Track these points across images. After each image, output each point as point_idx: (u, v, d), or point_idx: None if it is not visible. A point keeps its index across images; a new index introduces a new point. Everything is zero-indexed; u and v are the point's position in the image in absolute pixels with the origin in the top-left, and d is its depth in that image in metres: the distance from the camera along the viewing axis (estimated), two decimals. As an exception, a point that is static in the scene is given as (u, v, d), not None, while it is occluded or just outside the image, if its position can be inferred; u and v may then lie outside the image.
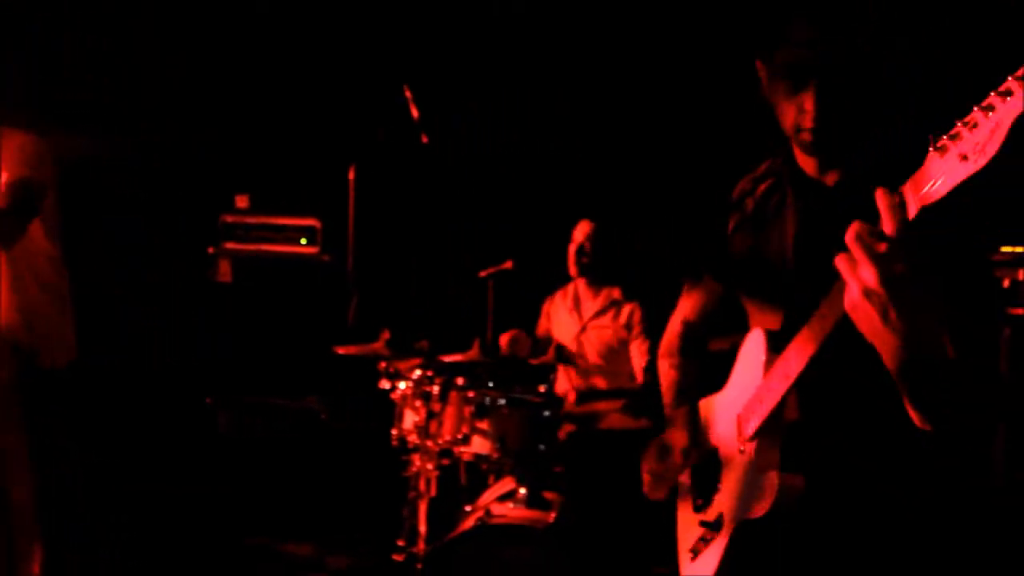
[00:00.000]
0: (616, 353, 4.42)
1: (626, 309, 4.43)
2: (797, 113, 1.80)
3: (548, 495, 3.63)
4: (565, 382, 4.42)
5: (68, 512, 3.20)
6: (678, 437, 2.16)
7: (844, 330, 1.48)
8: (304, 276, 5.24)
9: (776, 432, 1.81)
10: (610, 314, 4.45)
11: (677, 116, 4.98)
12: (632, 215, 4.90)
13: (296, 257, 5.26)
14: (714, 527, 2.00)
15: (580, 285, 4.55)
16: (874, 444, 1.82)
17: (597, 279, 4.49)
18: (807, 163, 1.91)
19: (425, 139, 4.42)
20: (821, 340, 1.59)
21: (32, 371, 3.06)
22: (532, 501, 3.54)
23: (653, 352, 4.34)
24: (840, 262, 1.38)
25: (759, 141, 2.11)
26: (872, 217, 1.36)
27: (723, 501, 1.99)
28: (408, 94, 4.46)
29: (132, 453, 4.86)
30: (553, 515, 3.43)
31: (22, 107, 3.33)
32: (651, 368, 4.27)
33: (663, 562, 3.76)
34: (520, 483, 3.63)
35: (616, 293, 4.48)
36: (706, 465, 2.08)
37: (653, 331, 4.37)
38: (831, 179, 1.88)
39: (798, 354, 1.66)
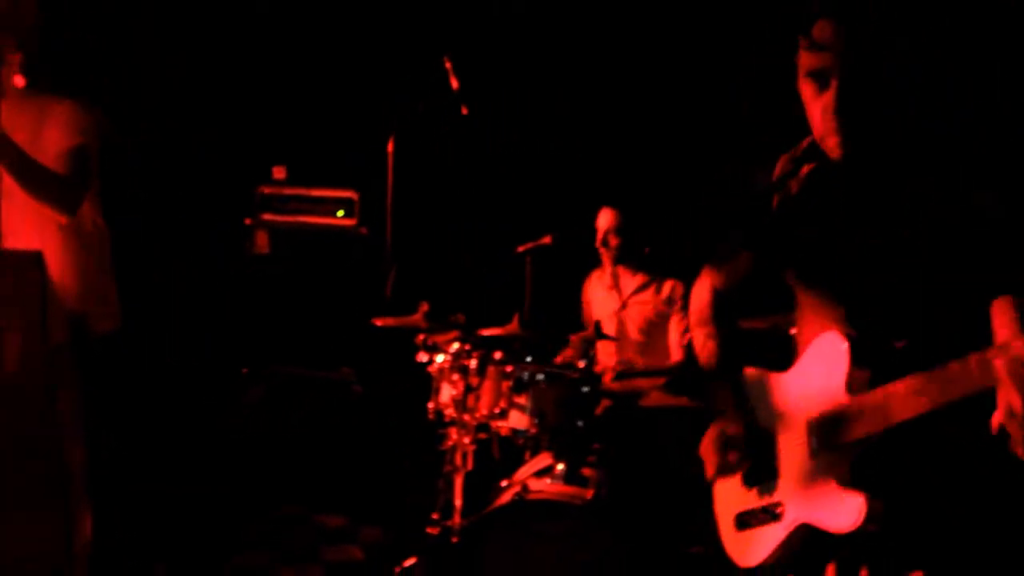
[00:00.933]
0: (656, 328, 4.38)
1: (667, 284, 4.39)
2: (821, 114, 1.83)
3: (586, 471, 3.60)
4: (604, 358, 4.38)
5: (115, 476, 3.22)
6: (733, 424, 2.12)
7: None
8: (341, 248, 5.23)
9: (853, 448, 1.82)
10: (651, 289, 4.41)
11: (709, 95, 4.92)
12: (660, 197, 4.85)
13: (333, 229, 5.24)
14: (771, 514, 2.00)
15: (617, 266, 4.51)
16: (954, 473, 1.83)
17: (632, 264, 4.45)
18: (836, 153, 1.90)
19: (465, 111, 4.38)
20: (939, 404, 1.61)
21: (84, 337, 3.07)
22: (570, 477, 3.51)
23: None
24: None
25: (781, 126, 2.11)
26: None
27: (784, 492, 1.99)
28: (448, 65, 4.41)
29: (170, 422, 4.90)
30: (591, 492, 3.40)
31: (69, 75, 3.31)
32: (690, 345, 4.23)
33: (700, 541, 3.76)
34: (557, 459, 3.60)
35: (655, 272, 4.44)
36: (761, 444, 2.05)
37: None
38: (860, 169, 1.88)
39: (906, 402, 1.67)
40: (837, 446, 1.84)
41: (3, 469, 2.77)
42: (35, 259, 2.87)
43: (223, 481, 4.85)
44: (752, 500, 2.08)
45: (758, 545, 2.02)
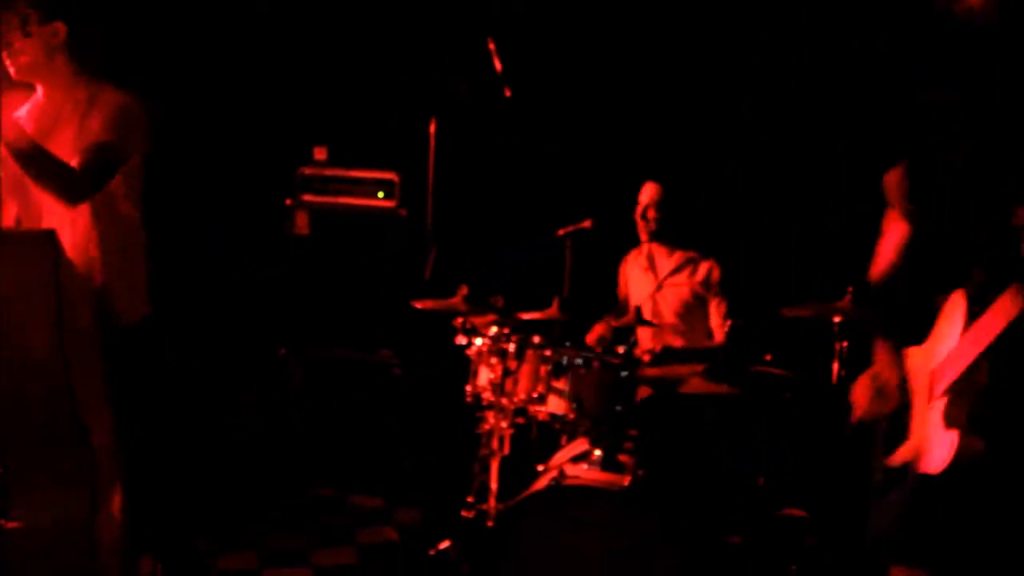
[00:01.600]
0: (693, 311, 4.34)
1: (704, 266, 4.34)
2: None
3: (623, 458, 3.57)
4: (642, 343, 4.35)
5: (145, 456, 3.23)
6: (891, 374, 2.25)
7: None
8: (381, 229, 5.22)
9: (967, 394, 1.93)
10: (687, 271, 4.36)
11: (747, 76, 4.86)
12: (701, 174, 4.80)
13: (373, 210, 5.24)
14: (899, 476, 2.12)
15: (653, 245, 4.46)
16: None
17: (669, 242, 4.40)
18: None
19: (508, 93, 4.35)
20: (1010, 320, 1.76)
21: (108, 322, 3.08)
22: (607, 463, 3.48)
23: (732, 313, 4.25)
24: None
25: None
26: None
27: (908, 451, 2.11)
28: (491, 47, 4.38)
29: (207, 401, 4.93)
30: (628, 479, 3.37)
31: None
32: (732, 329, 4.18)
33: (738, 531, 3.73)
34: (595, 445, 3.57)
35: (691, 253, 4.39)
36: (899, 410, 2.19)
37: (729, 291, 4.29)
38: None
39: (990, 325, 1.82)
40: (949, 389, 1.96)
41: (24, 447, 2.79)
42: (48, 237, 2.85)
43: (260, 461, 4.88)
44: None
45: (888, 507, 2.11)
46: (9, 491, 2.65)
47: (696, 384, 3.90)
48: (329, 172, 5.32)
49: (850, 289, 3.69)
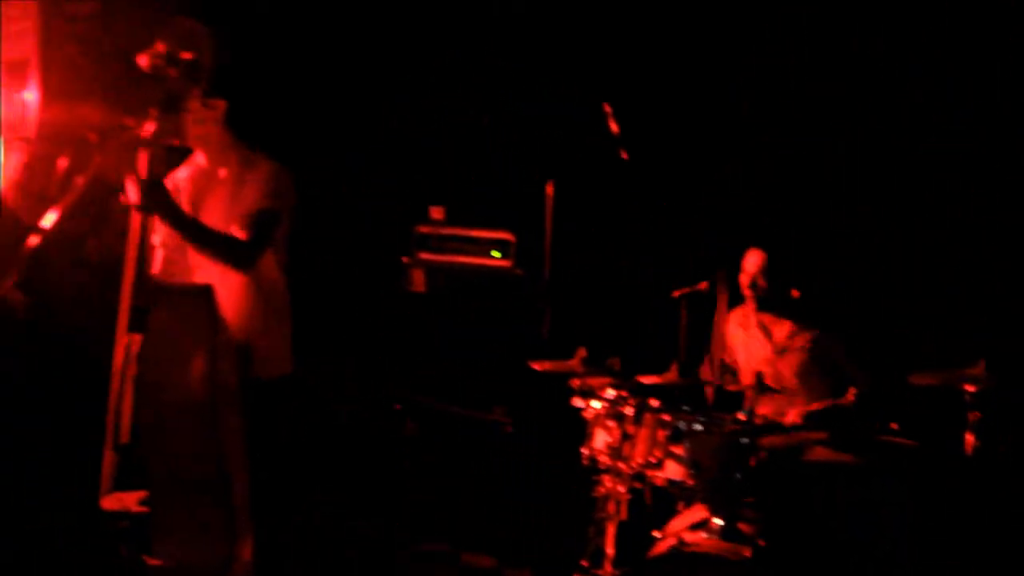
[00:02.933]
0: (812, 376, 4.23)
1: (816, 332, 4.25)
2: None
3: (744, 527, 3.50)
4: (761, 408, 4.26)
5: (273, 506, 3.30)
6: None
7: None
8: (497, 289, 5.27)
9: None
10: (804, 335, 4.27)
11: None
12: (808, 241, 4.72)
13: (488, 269, 5.29)
14: None
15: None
16: None
17: (778, 308, 4.32)
18: None
19: (625, 155, 4.37)
20: None
21: (251, 378, 3.18)
22: (728, 533, 3.43)
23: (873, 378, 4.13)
24: None
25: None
26: None
27: None
28: (608, 110, 4.42)
29: (324, 453, 5.00)
30: (750, 549, 3.31)
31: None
32: (858, 397, 4.07)
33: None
34: (714, 512, 3.52)
35: (800, 319, 4.31)
36: None
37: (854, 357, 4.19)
38: None
39: None
40: None
41: (171, 490, 2.89)
42: (207, 292, 3.02)
43: (373, 513, 4.93)
44: None
45: None
46: (154, 531, 2.75)
47: (820, 452, 3.81)
48: (445, 231, 5.40)
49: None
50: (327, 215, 5.16)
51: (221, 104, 3.23)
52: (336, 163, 5.41)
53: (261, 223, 3.17)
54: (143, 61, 2.94)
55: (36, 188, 4.88)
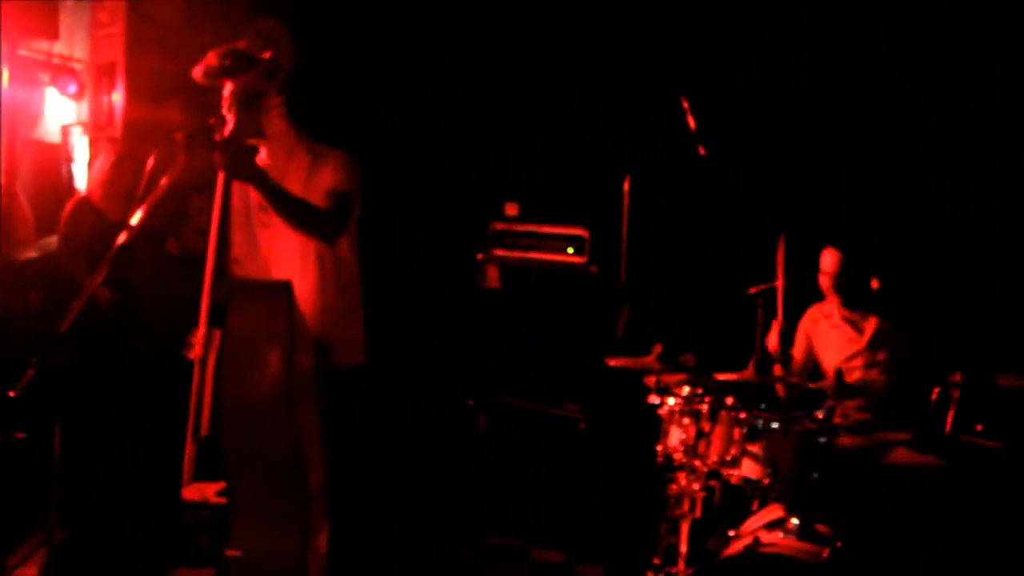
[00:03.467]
0: (900, 376, 4.15)
1: (901, 330, 4.16)
2: None
3: (820, 528, 3.43)
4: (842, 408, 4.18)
5: (347, 497, 3.35)
6: None
7: None
8: (570, 285, 5.26)
9: None
10: (887, 333, 4.18)
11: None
12: (885, 236, 4.63)
13: (562, 266, 5.29)
14: None
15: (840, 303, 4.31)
16: None
17: (861, 305, 4.24)
18: None
19: (702, 151, 4.33)
20: None
21: (326, 369, 3.23)
22: (804, 533, 3.36)
23: (938, 378, 4.03)
24: None
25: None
26: None
27: None
28: (685, 105, 4.39)
29: (397, 448, 5.06)
30: (827, 550, 3.24)
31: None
32: (940, 397, 3.96)
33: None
34: (790, 512, 3.46)
35: (883, 316, 4.22)
36: None
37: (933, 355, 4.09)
38: None
39: None
40: None
41: (249, 481, 2.95)
42: (285, 288, 3.06)
43: (443, 507, 4.97)
44: None
45: None
46: (232, 521, 2.80)
47: (900, 454, 3.73)
48: (520, 227, 5.43)
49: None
50: (403, 210, 5.22)
51: (284, 99, 3.27)
52: (412, 159, 5.46)
53: (340, 202, 3.22)
54: (197, 74, 3.02)
55: (122, 186, 5.03)
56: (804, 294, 4.33)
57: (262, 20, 3.14)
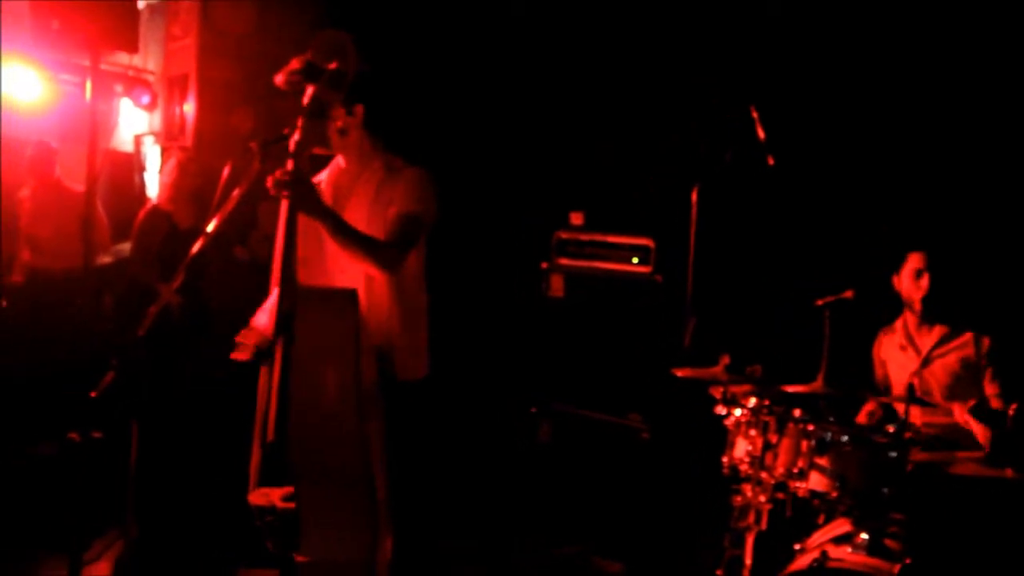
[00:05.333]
0: (965, 385, 4.06)
1: (966, 337, 4.08)
2: None
3: (889, 543, 3.38)
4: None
5: (410, 507, 3.36)
6: None
7: None
8: (634, 295, 5.25)
9: None
10: (952, 343, 4.11)
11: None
12: (971, 243, 4.53)
13: (627, 275, 5.28)
14: None
15: (908, 320, 4.24)
16: None
17: (930, 315, 4.16)
18: None
19: (771, 161, 4.29)
20: None
21: (390, 380, 3.25)
22: (873, 548, 3.31)
23: (1006, 396, 3.95)
24: None
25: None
26: None
27: None
28: (755, 115, 4.35)
29: (459, 455, 5.08)
30: (897, 566, 3.19)
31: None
32: (1018, 412, 3.87)
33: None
34: (858, 526, 3.41)
35: (949, 326, 4.14)
36: None
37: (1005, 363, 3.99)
38: None
39: None
40: None
41: (317, 488, 2.98)
42: (351, 296, 3.09)
43: (506, 516, 4.98)
44: None
45: None
46: (302, 528, 2.84)
47: (971, 467, 3.65)
48: (585, 237, 5.43)
49: None
50: (468, 219, 5.25)
51: (360, 109, 3.29)
52: (478, 168, 5.49)
53: (407, 226, 3.22)
54: (279, 79, 3.07)
55: (187, 189, 5.16)
56: (874, 307, 4.27)
57: (328, 31, 3.18)
